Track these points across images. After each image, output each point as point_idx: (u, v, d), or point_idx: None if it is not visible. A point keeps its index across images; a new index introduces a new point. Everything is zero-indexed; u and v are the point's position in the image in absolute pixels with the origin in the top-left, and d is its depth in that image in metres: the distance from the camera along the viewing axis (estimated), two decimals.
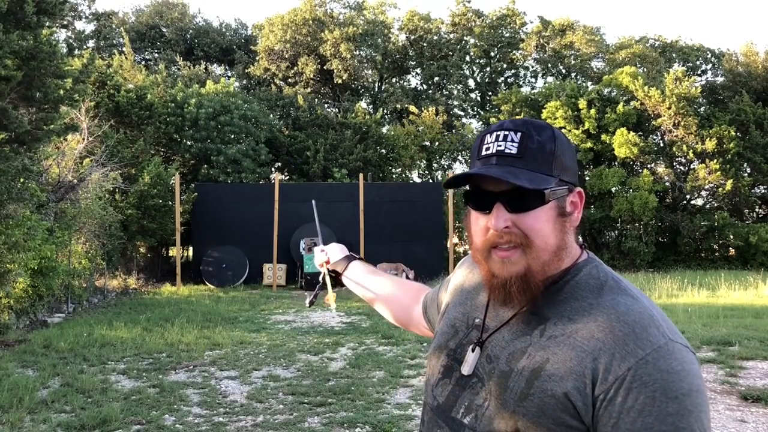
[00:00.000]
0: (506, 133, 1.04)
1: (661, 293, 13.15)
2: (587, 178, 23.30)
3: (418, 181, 25.39)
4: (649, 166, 22.54)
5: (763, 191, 23.55)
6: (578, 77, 27.15)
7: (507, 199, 1.02)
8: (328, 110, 25.08)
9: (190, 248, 18.79)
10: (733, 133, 21.23)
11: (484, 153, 1.05)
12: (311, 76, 25.75)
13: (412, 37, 27.28)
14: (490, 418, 1.02)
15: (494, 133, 1.05)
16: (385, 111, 26.33)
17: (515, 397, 0.99)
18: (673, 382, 0.92)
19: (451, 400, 1.10)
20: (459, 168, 25.77)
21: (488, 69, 28.23)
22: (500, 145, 1.03)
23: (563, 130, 22.20)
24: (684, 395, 0.92)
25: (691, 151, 21.55)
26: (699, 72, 28.09)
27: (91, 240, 12.22)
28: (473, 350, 1.09)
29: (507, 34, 27.53)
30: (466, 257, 1.34)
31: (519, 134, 1.03)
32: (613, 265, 21.36)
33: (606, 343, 0.95)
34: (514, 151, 1.02)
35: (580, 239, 1.14)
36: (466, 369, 1.09)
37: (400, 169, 23.42)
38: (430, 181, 24.77)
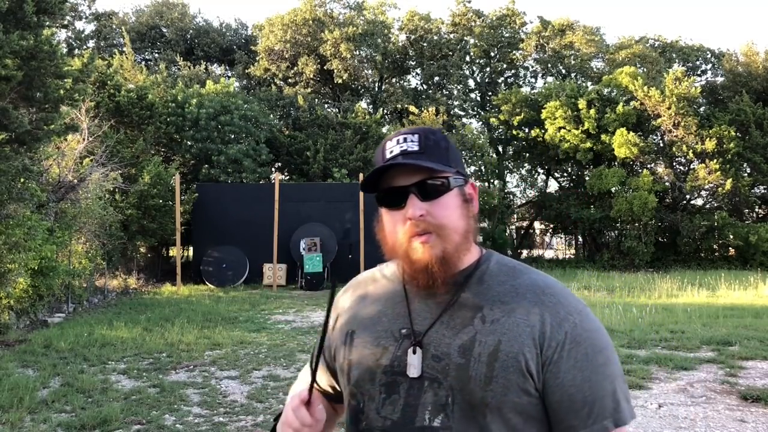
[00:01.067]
0: (405, 136, 1.16)
1: (661, 293, 13.15)
2: (587, 178, 23.31)
3: None
4: (648, 166, 22.54)
5: (763, 191, 23.55)
6: (578, 77, 27.14)
7: (418, 190, 1.12)
8: (328, 110, 25.08)
9: (190, 248, 18.79)
10: (733, 133, 21.23)
11: (388, 156, 1.15)
12: (311, 76, 25.75)
13: (412, 37, 27.28)
14: (462, 411, 1.08)
15: (394, 139, 1.17)
16: (385, 111, 26.34)
17: (481, 383, 1.07)
18: (596, 338, 1.11)
19: (410, 411, 1.11)
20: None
21: (488, 69, 28.22)
22: (403, 146, 1.15)
23: (563, 130, 22.26)
24: (605, 347, 1.11)
25: (691, 151, 21.55)
26: (699, 72, 28.10)
27: (91, 240, 12.23)
28: (414, 352, 1.12)
29: (507, 34, 27.51)
30: (343, 290, 1.33)
31: (416, 135, 1.16)
32: (613, 265, 21.37)
33: (542, 315, 1.09)
34: (416, 148, 1.14)
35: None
36: (414, 372, 1.11)
37: None
38: None
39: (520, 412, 1.07)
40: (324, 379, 1.33)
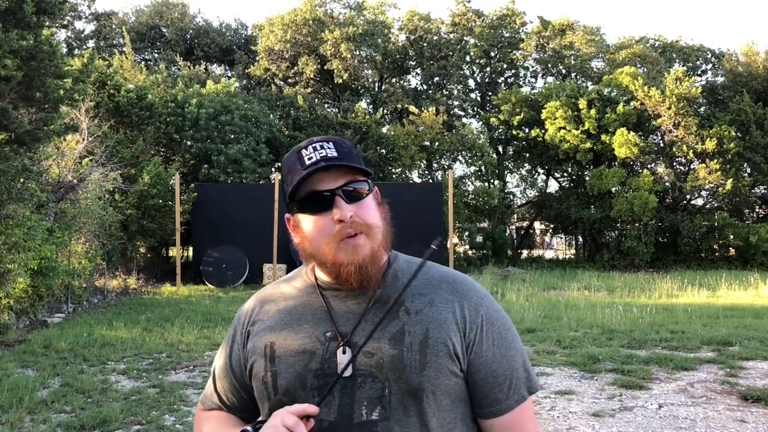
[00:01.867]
0: (321, 144, 1.19)
1: (661, 293, 13.15)
2: (587, 178, 23.30)
3: (418, 181, 25.38)
4: (649, 166, 22.54)
5: (763, 191, 23.55)
6: (578, 77, 27.12)
7: (343, 193, 1.16)
8: (328, 110, 25.07)
9: (190, 248, 18.79)
10: (734, 133, 21.22)
11: (308, 162, 1.17)
12: (311, 76, 25.75)
13: (412, 37, 27.26)
14: (398, 400, 1.14)
15: (309, 147, 1.19)
16: (385, 111, 26.32)
17: (416, 370, 1.14)
18: (503, 317, 1.24)
19: (346, 410, 1.14)
20: (459, 168, 25.77)
21: (488, 69, 28.20)
22: (321, 153, 1.17)
23: (563, 130, 22.22)
24: (511, 325, 1.26)
25: (691, 151, 21.54)
26: (699, 72, 28.09)
27: (91, 240, 12.22)
28: (344, 352, 1.16)
29: (507, 34, 27.49)
30: (249, 307, 1.31)
31: (331, 143, 1.19)
32: (613, 265, 21.37)
33: (460, 302, 1.20)
34: (334, 153, 1.17)
35: None
36: (346, 371, 1.15)
37: (400, 169, 23.41)
38: (430, 181, 24.76)
39: (449, 394, 1.17)
40: (231, 394, 1.32)
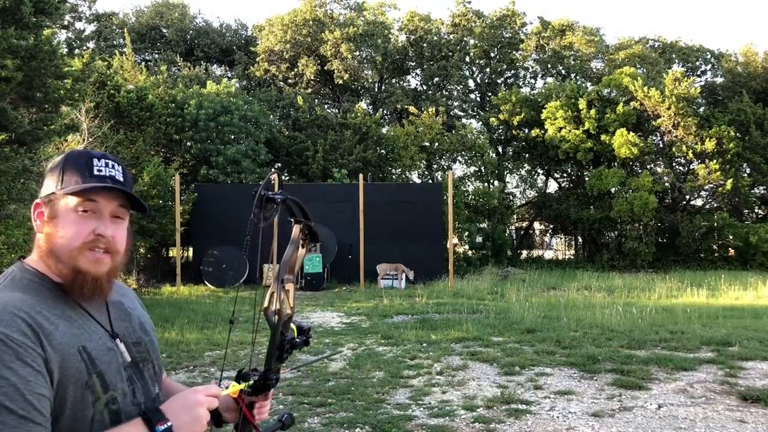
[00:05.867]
0: (111, 162, 1.34)
1: (660, 294, 13.16)
2: (587, 179, 23.32)
3: (418, 181, 25.37)
4: (648, 166, 22.55)
5: (762, 191, 23.57)
6: (578, 78, 27.13)
7: (113, 214, 1.32)
8: (328, 111, 25.06)
9: (190, 249, 18.79)
10: (733, 134, 21.24)
11: (96, 173, 1.30)
12: (311, 77, 25.75)
13: (412, 38, 27.26)
14: (158, 376, 1.44)
15: (102, 160, 1.33)
16: (384, 111, 26.31)
17: (159, 350, 1.47)
18: None
19: (147, 388, 1.37)
20: (459, 168, 25.78)
21: (488, 69, 28.20)
22: (111, 172, 1.33)
23: (563, 131, 22.23)
24: None
25: (691, 151, 21.56)
26: (698, 72, 28.08)
27: None
28: (121, 341, 1.35)
29: (507, 35, 27.49)
30: (22, 324, 1.18)
31: (120, 167, 1.36)
32: (613, 265, 21.39)
33: (134, 299, 1.51)
34: (122, 179, 1.34)
35: None
36: (129, 358, 1.34)
37: (399, 170, 23.41)
38: (430, 181, 24.76)
39: None
40: (44, 407, 1.17)
